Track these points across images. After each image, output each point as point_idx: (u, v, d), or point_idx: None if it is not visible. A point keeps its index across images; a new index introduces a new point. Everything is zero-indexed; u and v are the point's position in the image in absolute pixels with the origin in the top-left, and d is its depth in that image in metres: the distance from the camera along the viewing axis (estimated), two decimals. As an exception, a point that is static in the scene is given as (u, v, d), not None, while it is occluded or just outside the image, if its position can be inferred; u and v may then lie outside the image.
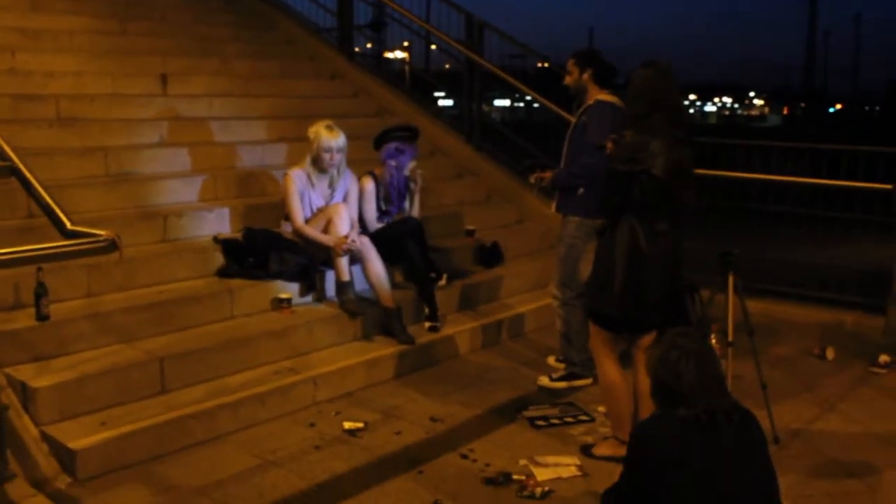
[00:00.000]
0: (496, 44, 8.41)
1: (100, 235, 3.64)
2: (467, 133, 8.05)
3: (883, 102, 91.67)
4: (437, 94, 9.76)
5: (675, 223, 3.87)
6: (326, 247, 5.24)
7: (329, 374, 4.80)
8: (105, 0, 7.88)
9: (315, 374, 4.74)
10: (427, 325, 5.51)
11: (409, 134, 6.02)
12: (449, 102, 9.70)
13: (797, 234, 7.44)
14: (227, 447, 4.13)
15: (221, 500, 3.63)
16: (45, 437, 3.83)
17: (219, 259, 5.31)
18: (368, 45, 9.94)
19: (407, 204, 5.92)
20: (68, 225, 3.81)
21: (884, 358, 5.45)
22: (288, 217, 5.40)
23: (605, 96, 4.93)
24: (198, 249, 5.35)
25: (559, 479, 3.86)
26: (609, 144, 4.00)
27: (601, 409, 4.51)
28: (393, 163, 5.79)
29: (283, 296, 5.16)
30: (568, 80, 5.10)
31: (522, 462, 4.02)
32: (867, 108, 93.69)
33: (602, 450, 4.07)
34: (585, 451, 4.13)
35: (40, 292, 4.23)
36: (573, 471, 3.93)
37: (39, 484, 3.61)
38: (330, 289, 5.41)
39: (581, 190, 4.89)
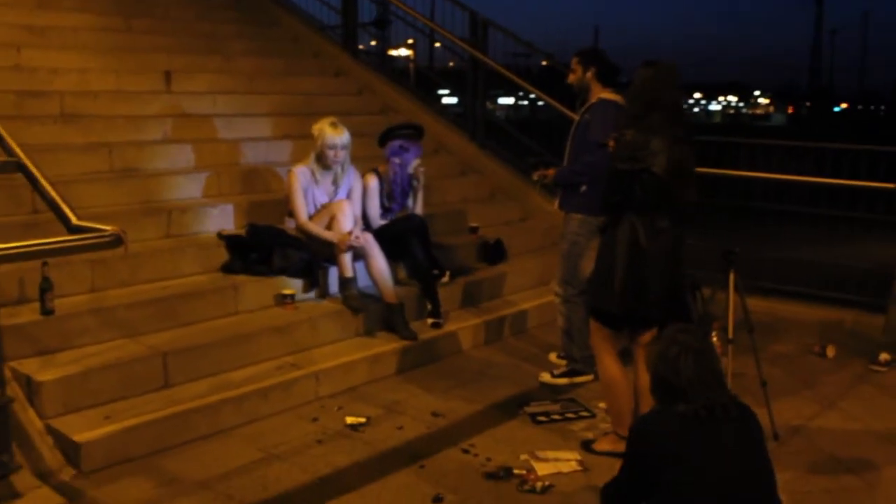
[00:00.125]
0: (500, 42, 8.44)
1: (105, 230, 3.66)
2: (471, 131, 8.07)
3: (889, 102, 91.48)
4: (441, 91, 9.78)
5: (676, 221, 3.89)
6: (330, 243, 5.26)
7: (332, 370, 4.83)
8: (110, -3, 7.92)
9: (318, 370, 4.77)
10: (430, 321, 5.53)
11: (413, 132, 6.03)
12: (453, 100, 9.72)
13: (800, 233, 7.46)
14: (231, 441, 4.16)
15: (224, 492, 3.66)
16: (50, 430, 3.86)
17: (223, 255, 5.35)
18: (373, 43, 9.96)
19: (410, 201, 5.95)
20: (74, 220, 3.84)
21: (884, 356, 5.47)
22: (292, 213, 5.43)
23: (608, 95, 4.94)
24: (202, 245, 5.38)
25: (559, 473, 3.88)
26: (611, 143, 4.03)
27: (602, 405, 4.53)
28: (397, 160, 5.81)
29: (287, 291, 5.19)
30: (571, 78, 5.13)
31: (523, 457, 4.05)
32: (873, 107, 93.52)
33: (602, 445, 4.10)
34: (586, 446, 4.16)
35: (45, 287, 4.27)
36: (573, 466, 3.96)
37: (44, 476, 3.65)
38: (333, 285, 5.44)
39: (583, 187, 4.91)
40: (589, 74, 5.02)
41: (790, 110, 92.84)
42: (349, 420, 4.43)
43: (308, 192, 5.41)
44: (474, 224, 6.78)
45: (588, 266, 4.53)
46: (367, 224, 5.70)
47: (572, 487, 3.77)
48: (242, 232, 5.49)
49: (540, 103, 7.88)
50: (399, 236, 5.60)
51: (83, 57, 6.79)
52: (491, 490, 3.74)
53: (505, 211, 7.44)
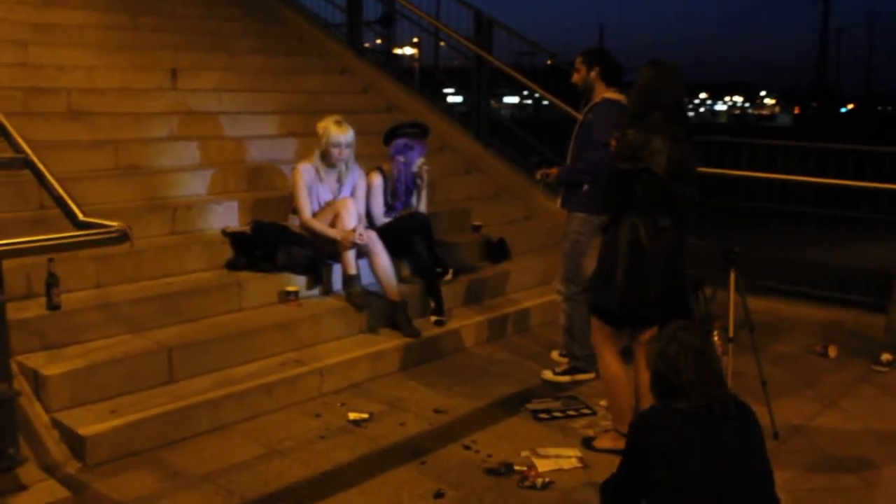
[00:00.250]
0: (505, 41, 8.45)
1: (111, 226, 3.69)
2: (475, 130, 8.09)
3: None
4: (446, 90, 9.79)
5: (678, 220, 3.90)
6: (333, 240, 5.30)
7: (335, 366, 4.86)
8: (117, -5, 7.96)
9: (321, 366, 4.81)
10: (433, 318, 5.56)
11: (418, 130, 6.06)
12: (459, 99, 9.73)
13: (804, 234, 7.48)
14: (234, 436, 4.20)
15: (227, 486, 3.69)
16: (56, 424, 3.91)
17: (227, 252, 5.38)
18: (378, 41, 9.98)
19: (414, 199, 5.97)
20: (80, 216, 3.86)
21: (886, 356, 5.48)
22: (296, 211, 5.46)
23: (611, 94, 4.96)
24: (207, 242, 5.41)
25: (560, 470, 3.91)
26: (613, 142, 4.05)
27: (603, 402, 4.55)
28: (401, 158, 5.84)
29: (291, 288, 5.23)
30: (576, 77, 5.15)
31: (524, 453, 4.07)
32: (880, 107, 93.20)
33: (603, 442, 4.13)
34: (586, 443, 4.19)
35: (51, 282, 4.31)
36: (574, 462, 3.98)
37: (50, 469, 3.69)
38: (337, 282, 5.47)
39: (586, 186, 4.93)
40: (593, 74, 5.03)
41: (796, 111, 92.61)
42: (352, 416, 4.46)
43: (312, 189, 5.44)
44: (478, 222, 6.80)
45: (590, 264, 4.55)
46: (371, 222, 5.73)
47: (572, 484, 3.80)
48: (247, 229, 5.53)
49: (545, 103, 7.88)
50: (403, 234, 5.63)
51: (90, 54, 6.83)
52: (492, 486, 3.77)
53: (509, 210, 7.46)
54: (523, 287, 6.45)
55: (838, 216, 7.24)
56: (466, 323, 5.70)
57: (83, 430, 3.83)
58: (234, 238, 5.42)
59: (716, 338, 4.48)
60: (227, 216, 5.72)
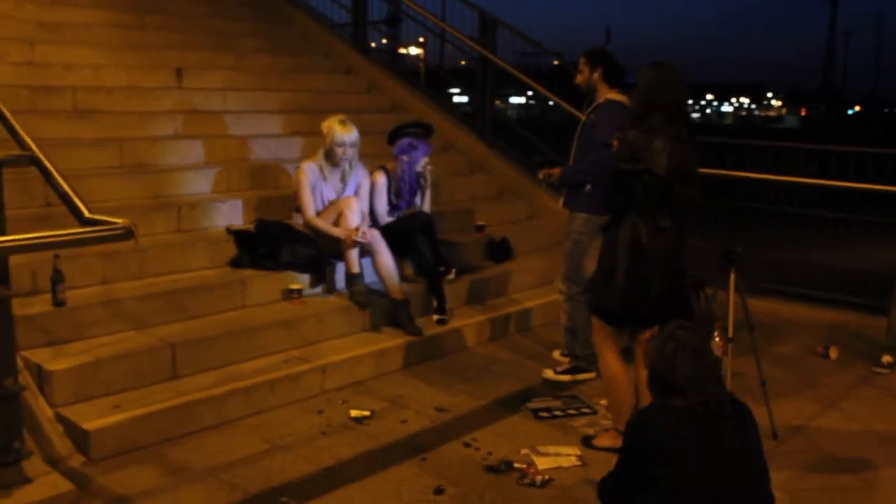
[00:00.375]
0: (509, 41, 8.47)
1: (117, 223, 3.71)
2: (480, 130, 8.12)
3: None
4: (452, 90, 9.81)
5: (678, 220, 3.93)
6: (337, 239, 5.33)
7: (338, 364, 4.90)
8: (124, -6, 8.00)
9: (324, 363, 4.84)
10: (435, 317, 5.59)
11: (422, 130, 6.08)
12: (465, 99, 9.75)
13: (807, 236, 7.48)
14: (237, 432, 4.24)
15: (230, 481, 3.73)
16: (60, 419, 3.94)
17: (231, 250, 5.42)
18: (384, 41, 10.00)
19: (418, 199, 6.00)
20: (86, 213, 3.88)
21: (887, 358, 5.49)
22: (300, 209, 5.49)
23: (614, 95, 4.99)
24: (211, 240, 5.45)
25: (559, 468, 3.94)
26: (614, 143, 4.07)
27: (603, 402, 4.58)
28: (405, 158, 5.86)
29: (294, 286, 5.26)
30: (579, 78, 5.18)
31: (524, 451, 4.10)
32: (887, 110, 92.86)
33: (602, 441, 4.15)
34: (586, 441, 4.21)
35: (57, 279, 4.33)
36: (573, 461, 4.01)
37: (54, 462, 3.73)
38: (340, 280, 5.51)
39: (588, 187, 4.95)
40: (596, 75, 5.06)
41: (803, 112, 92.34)
42: (354, 413, 4.49)
43: (316, 188, 5.47)
44: (481, 222, 6.82)
45: (592, 264, 4.57)
46: (374, 221, 5.76)
47: (571, 481, 3.83)
48: (251, 227, 5.56)
49: (551, 103, 7.91)
50: (406, 233, 5.66)
51: (96, 53, 6.86)
52: (491, 483, 3.80)
53: (512, 210, 7.48)
54: (526, 287, 6.47)
55: (842, 218, 7.24)
56: (468, 322, 5.73)
57: (87, 425, 3.87)
58: (238, 236, 5.46)
59: (716, 338, 4.51)
60: (231, 214, 5.76)
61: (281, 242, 5.38)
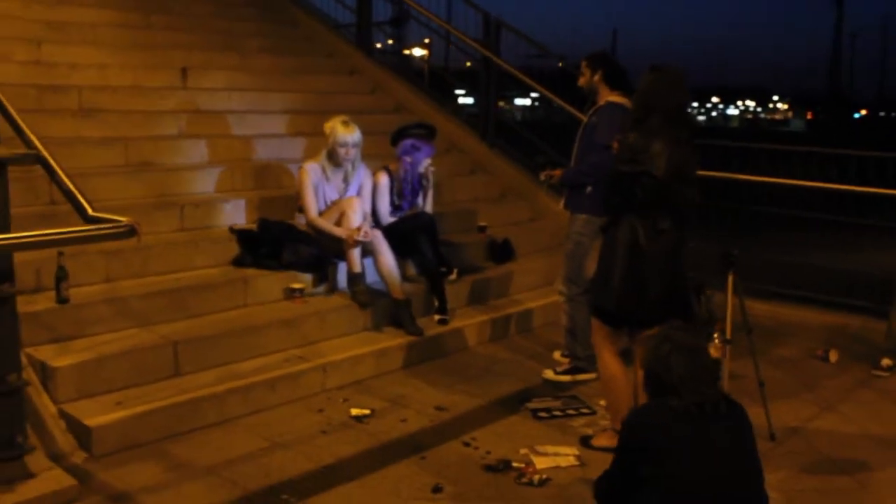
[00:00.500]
0: (513, 43, 8.50)
1: (120, 221, 3.75)
2: (483, 131, 8.15)
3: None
4: (457, 91, 9.84)
5: (678, 222, 3.95)
6: (339, 239, 5.36)
7: (339, 363, 4.93)
8: (130, -7, 8.05)
9: (325, 362, 4.87)
10: (436, 317, 5.62)
11: (425, 132, 6.10)
12: (470, 100, 9.77)
13: (809, 238, 7.49)
14: (238, 429, 4.27)
15: (230, 478, 3.76)
16: (63, 415, 3.98)
17: (234, 249, 5.46)
18: (390, 42, 10.03)
19: (420, 200, 6.03)
20: (90, 211, 3.92)
21: (886, 362, 5.50)
22: (302, 209, 5.52)
23: (615, 98, 5.01)
24: (214, 239, 5.49)
25: (557, 467, 3.96)
26: (614, 145, 4.10)
27: (602, 402, 4.59)
28: (408, 159, 5.89)
29: (296, 286, 5.29)
30: (581, 81, 5.21)
31: (523, 451, 4.13)
32: (893, 113, 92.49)
33: (600, 441, 4.17)
34: (584, 441, 4.24)
35: (61, 276, 4.38)
36: (571, 460, 4.04)
37: (57, 458, 3.77)
38: (342, 280, 5.54)
39: (589, 188, 4.98)
40: (597, 77, 5.09)
41: (809, 116, 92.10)
42: (354, 412, 4.52)
43: (319, 188, 5.51)
44: (483, 223, 6.85)
45: (592, 266, 4.59)
46: (377, 221, 5.79)
47: (569, 481, 3.85)
48: (254, 227, 5.60)
49: (554, 105, 7.93)
50: (408, 233, 5.69)
51: (102, 52, 6.90)
52: (490, 482, 3.83)
53: (514, 211, 7.51)
54: (527, 288, 6.50)
55: (845, 222, 7.24)
56: (469, 322, 5.76)
57: (90, 421, 3.91)
58: (241, 235, 5.49)
59: (716, 340, 4.52)
60: (234, 214, 5.79)
61: (283, 242, 5.42)
